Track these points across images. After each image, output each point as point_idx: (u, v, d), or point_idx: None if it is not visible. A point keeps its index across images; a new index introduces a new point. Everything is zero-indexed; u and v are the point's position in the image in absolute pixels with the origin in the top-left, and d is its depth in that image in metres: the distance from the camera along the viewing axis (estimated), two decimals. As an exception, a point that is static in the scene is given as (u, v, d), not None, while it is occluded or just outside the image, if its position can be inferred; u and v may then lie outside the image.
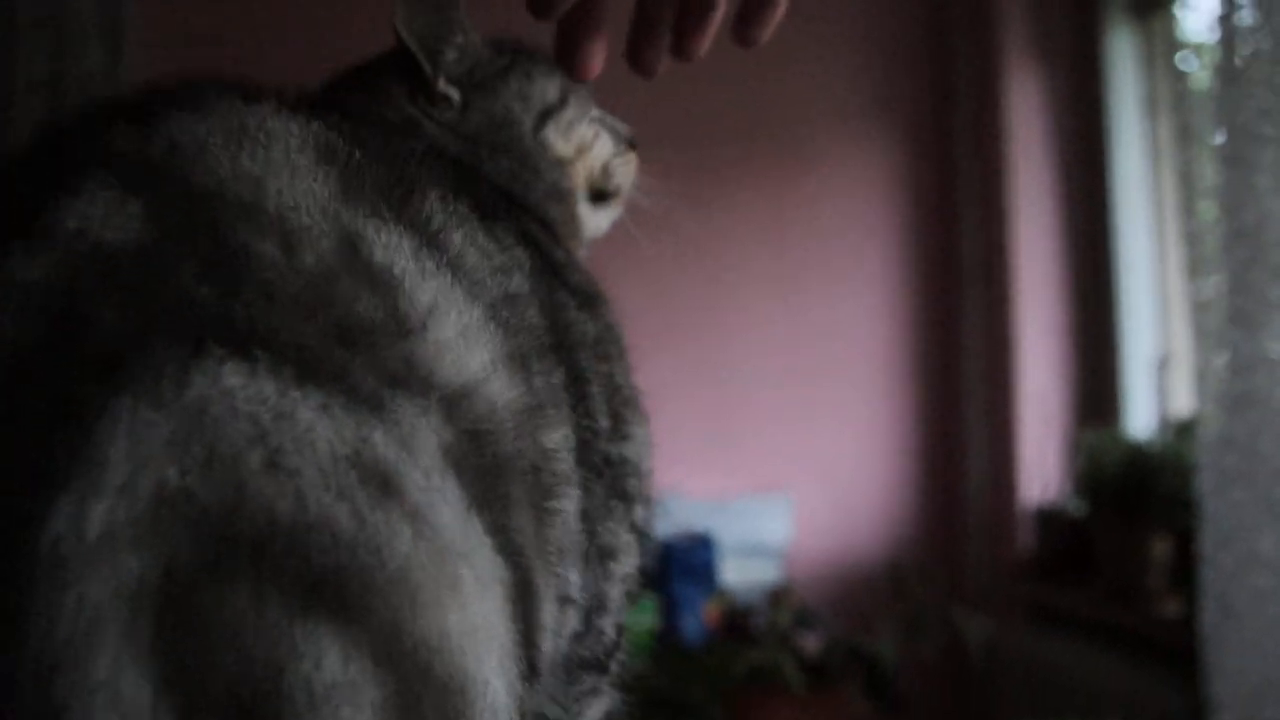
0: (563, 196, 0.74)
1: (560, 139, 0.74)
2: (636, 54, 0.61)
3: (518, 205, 0.70)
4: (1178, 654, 1.93)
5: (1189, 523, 1.80)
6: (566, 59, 0.60)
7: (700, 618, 2.52)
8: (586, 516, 0.58)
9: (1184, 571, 1.96)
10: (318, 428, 0.38)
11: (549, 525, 0.52)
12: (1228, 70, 1.59)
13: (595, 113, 0.79)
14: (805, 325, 2.97)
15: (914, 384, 3.06)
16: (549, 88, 0.75)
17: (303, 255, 0.42)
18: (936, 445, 3.05)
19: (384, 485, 0.39)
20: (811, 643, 2.42)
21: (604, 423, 0.63)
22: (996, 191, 2.86)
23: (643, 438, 0.67)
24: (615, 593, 0.63)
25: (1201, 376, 1.69)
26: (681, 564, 2.55)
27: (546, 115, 0.74)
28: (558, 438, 0.54)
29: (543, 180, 0.73)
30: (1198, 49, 2.05)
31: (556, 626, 0.54)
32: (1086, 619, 2.46)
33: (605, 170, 0.77)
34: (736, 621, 2.50)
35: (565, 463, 0.55)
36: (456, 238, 0.52)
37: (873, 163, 3.07)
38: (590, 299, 0.68)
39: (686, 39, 0.60)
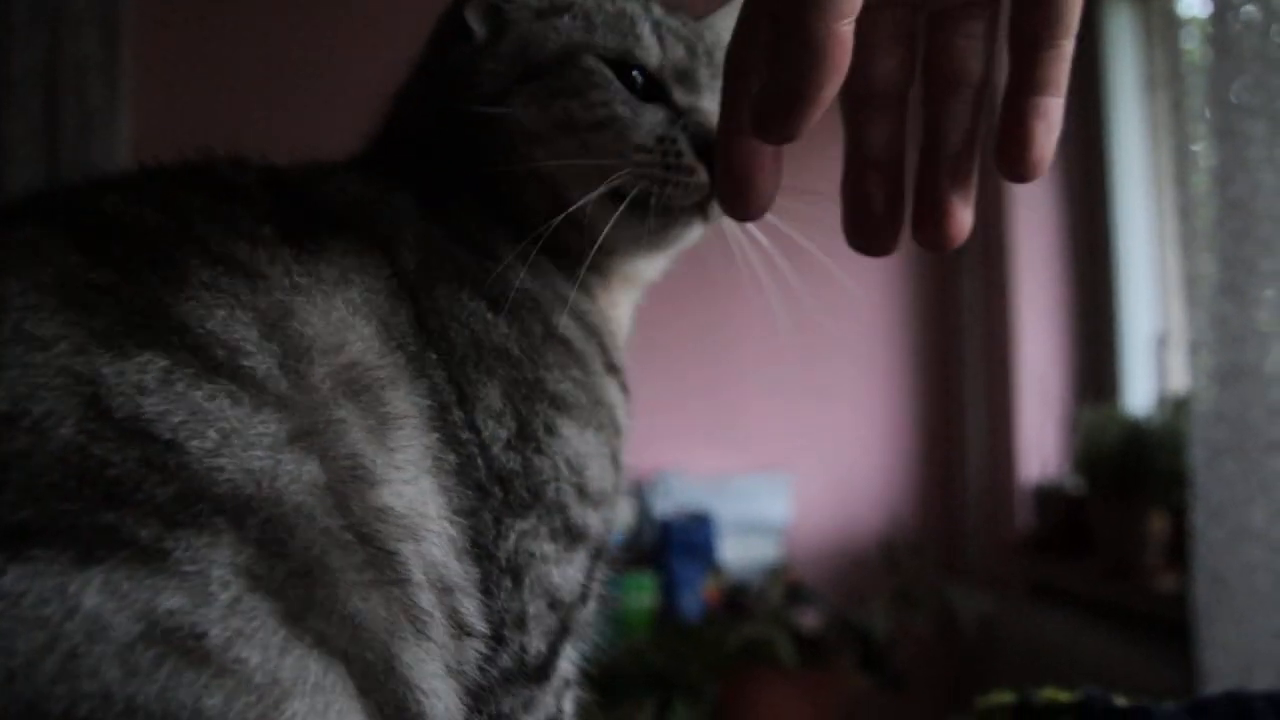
0: (519, 176, 0.65)
1: (534, 108, 0.65)
2: (859, 228, 0.46)
3: (429, 193, 0.64)
4: (1175, 629, 1.93)
5: (1185, 499, 1.81)
6: (733, 188, 0.47)
7: (699, 595, 2.53)
8: (476, 542, 0.56)
9: (1181, 547, 1.96)
10: (104, 612, 0.39)
11: (399, 581, 0.49)
12: (1220, 43, 1.58)
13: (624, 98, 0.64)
14: (805, 305, 2.97)
15: (914, 363, 3.06)
16: (552, 39, 0.65)
17: (51, 439, 0.42)
18: (936, 424, 3.06)
19: (185, 651, 0.40)
20: (810, 619, 2.43)
21: (501, 432, 0.59)
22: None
23: (578, 441, 0.62)
24: (535, 607, 0.60)
25: (1194, 350, 1.69)
26: (680, 542, 2.56)
27: (526, 77, 0.65)
28: (391, 491, 0.51)
29: (489, 152, 0.66)
30: (1195, 24, 2.04)
31: (456, 665, 0.53)
32: (1085, 595, 2.46)
33: (616, 160, 0.63)
34: (736, 599, 2.52)
35: (410, 500, 0.52)
36: (219, 316, 0.49)
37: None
38: (515, 303, 0.62)
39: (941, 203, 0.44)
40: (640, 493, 2.69)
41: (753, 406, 2.91)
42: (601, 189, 0.63)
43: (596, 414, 0.64)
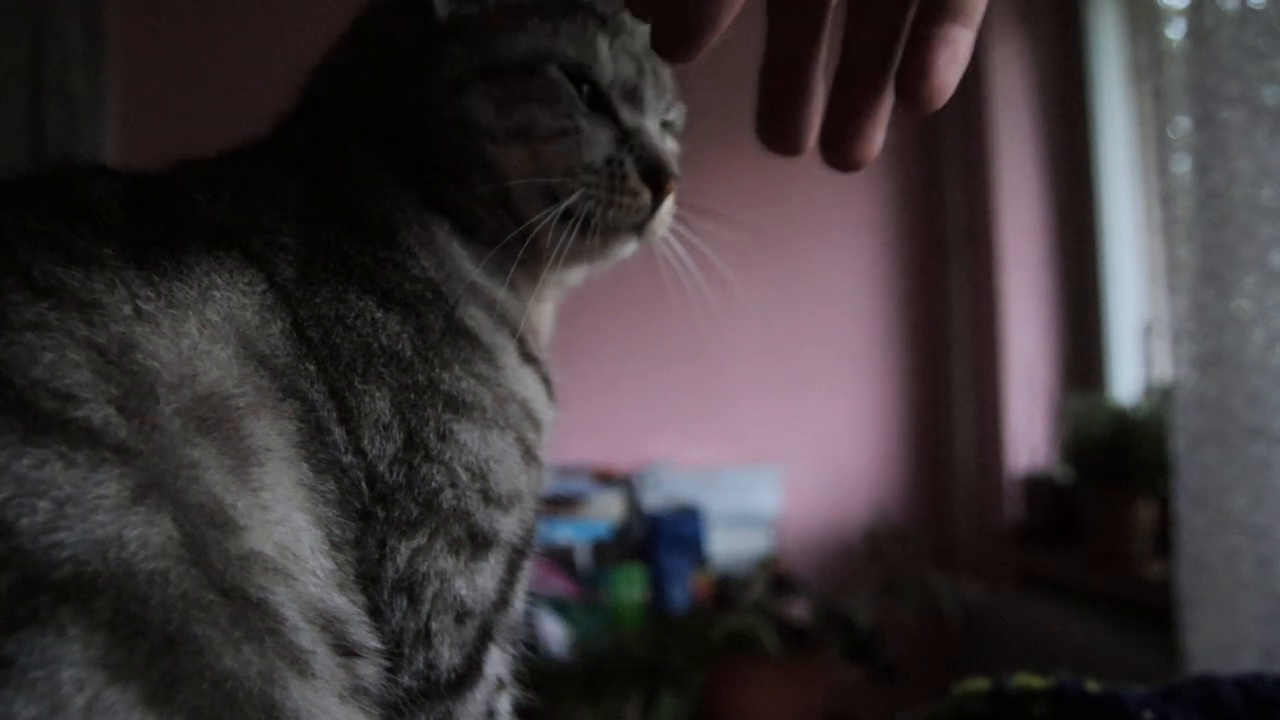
0: (457, 169, 0.64)
1: (491, 108, 0.64)
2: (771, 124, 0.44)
3: (334, 184, 0.62)
4: (1163, 616, 1.94)
5: (1171, 486, 1.81)
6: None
7: (688, 588, 2.54)
8: (361, 572, 0.54)
9: (1168, 536, 1.97)
10: None
11: (272, 630, 0.47)
12: (1198, 31, 1.59)
13: (624, 113, 0.65)
14: (793, 296, 2.98)
15: (903, 353, 3.07)
16: (521, 41, 0.64)
17: None
18: (925, 414, 3.06)
19: None
20: (798, 609, 2.44)
21: (388, 447, 0.56)
22: (981, 159, 2.86)
23: (480, 445, 0.60)
24: (439, 622, 0.57)
25: (1176, 339, 1.70)
26: (669, 535, 2.57)
27: (488, 73, 0.64)
28: (257, 535, 0.48)
29: (439, 135, 0.64)
30: (1176, 14, 2.04)
31: (351, 688, 0.50)
32: (1073, 584, 2.47)
33: (566, 178, 0.64)
34: (725, 591, 2.53)
35: (279, 541, 0.49)
36: (46, 360, 0.45)
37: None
38: (413, 294, 0.60)
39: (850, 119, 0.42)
40: (629, 486, 2.69)
41: (742, 399, 2.91)
42: (556, 212, 0.63)
43: (503, 411, 0.62)
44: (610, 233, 0.66)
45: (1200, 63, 1.55)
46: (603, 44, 0.66)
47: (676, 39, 0.39)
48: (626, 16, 0.68)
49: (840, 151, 0.43)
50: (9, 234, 0.49)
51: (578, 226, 0.64)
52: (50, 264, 0.48)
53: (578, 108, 0.65)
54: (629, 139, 0.66)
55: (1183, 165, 1.66)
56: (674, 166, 0.67)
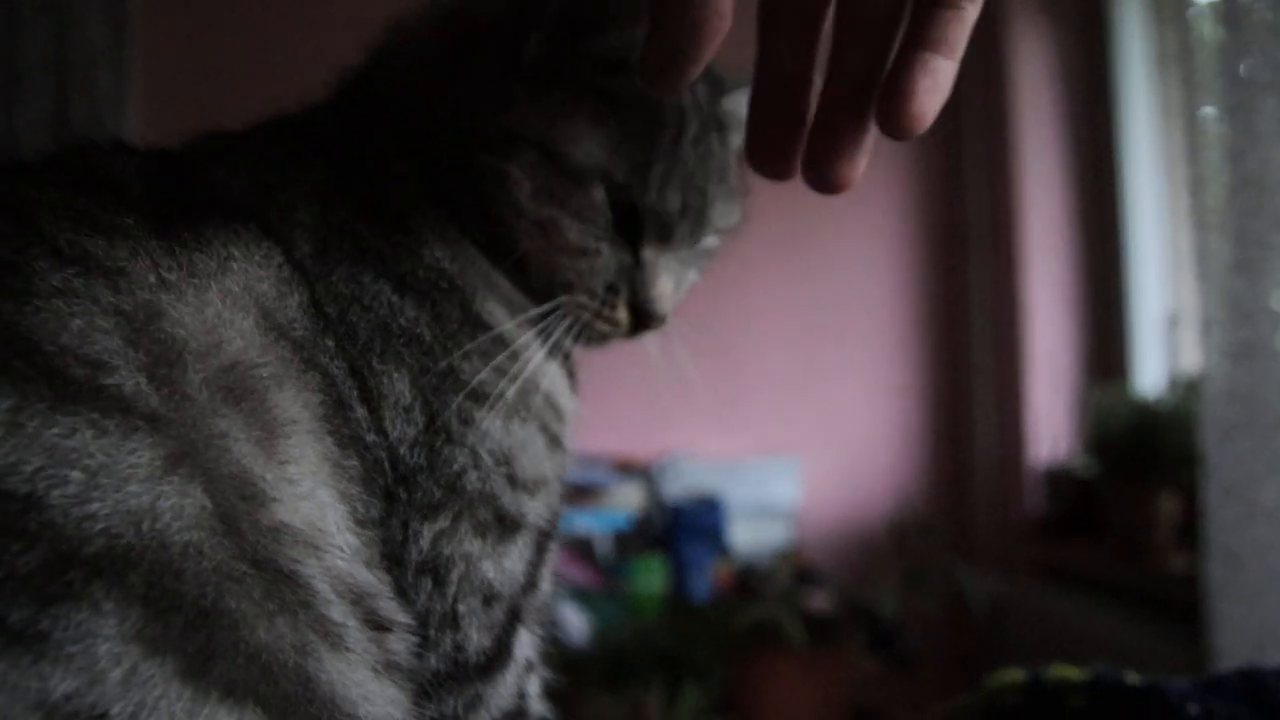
0: (484, 214, 0.63)
1: (527, 184, 0.61)
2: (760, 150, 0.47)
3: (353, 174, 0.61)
4: (1186, 609, 1.93)
5: (1196, 479, 1.80)
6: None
7: (709, 578, 2.54)
8: (386, 552, 0.54)
9: (1191, 528, 1.96)
10: None
11: (304, 603, 0.46)
12: (1230, 18, 1.57)
13: (647, 253, 0.64)
14: (814, 286, 2.97)
15: (923, 344, 3.06)
16: (582, 146, 0.61)
17: None
18: (946, 406, 3.05)
19: None
20: (819, 601, 2.43)
21: (409, 430, 0.56)
22: (1003, 150, 2.84)
23: (501, 433, 0.59)
24: (467, 605, 0.57)
25: (1206, 328, 1.68)
26: (690, 526, 2.56)
27: (540, 149, 0.61)
28: (286, 507, 0.47)
29: (463, 167, 0.62)
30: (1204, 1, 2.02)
31: (384, 662, 0.50)
32: (1096, 577, 2.46)
33: (564, 292, 0.64)
34: (745, 582, 2.52)
35: (306, 515, 0.49)
36: (75, 327, 0.44)
37: (879, 123, 3.05)
38: (428, 283, 0.60)
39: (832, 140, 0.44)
40: (650, 476, 2.69)
41: (762, 389, 2.90)
42: (554, 318, 0.65)
43: (526, 402, 0.62)
44: (598, 339, 0.67)
45: (1232, 49, 1.54)
46: (656, 172, 0.64)
47: (662, 71, 0.42)
48: (702, 139, 0.66)
49: (822, 173, 0.45)
50: (32, 205, 0.48)
51: (570, 327, 0.65)
52: (74, 233, 0.47)
53: (607, 232, 0.64)
54: (636, 270, 0.66)
55: (1213, 154, 1.64)
56: (663, 309, 0.67)
